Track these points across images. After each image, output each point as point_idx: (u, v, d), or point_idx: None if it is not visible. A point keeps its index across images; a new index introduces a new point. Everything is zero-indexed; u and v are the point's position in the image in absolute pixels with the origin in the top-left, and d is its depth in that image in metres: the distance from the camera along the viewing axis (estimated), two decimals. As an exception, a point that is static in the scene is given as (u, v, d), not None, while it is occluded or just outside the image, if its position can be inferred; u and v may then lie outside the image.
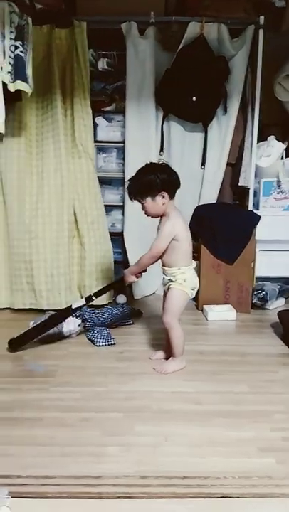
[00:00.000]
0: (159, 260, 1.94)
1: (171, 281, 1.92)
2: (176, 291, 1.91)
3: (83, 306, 2.20)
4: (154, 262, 1.94)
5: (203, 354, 2.12)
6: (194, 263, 1.98)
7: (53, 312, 2.34)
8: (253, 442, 1.48)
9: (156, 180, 1.81)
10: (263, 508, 1.23)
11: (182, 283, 1.90)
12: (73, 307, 2.18)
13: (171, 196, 1.87)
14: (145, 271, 1.99)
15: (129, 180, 1.90)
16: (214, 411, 1.66)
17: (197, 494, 1.26)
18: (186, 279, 1.90)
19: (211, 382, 1.86)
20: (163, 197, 1.84)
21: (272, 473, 1.34)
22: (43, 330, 2.16)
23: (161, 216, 1.91)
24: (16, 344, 2.12)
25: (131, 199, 1.90)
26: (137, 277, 1.99)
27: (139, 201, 1.88)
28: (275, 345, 2.24)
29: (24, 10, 2.29)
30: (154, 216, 1.92)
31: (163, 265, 1.94)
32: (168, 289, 1.95)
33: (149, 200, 1.85)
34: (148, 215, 1.92)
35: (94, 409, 1.66)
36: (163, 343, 2.09)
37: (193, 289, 1.95)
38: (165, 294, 2.00)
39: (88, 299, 2.17)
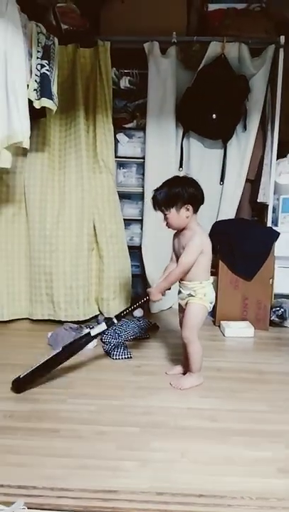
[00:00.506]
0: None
1: (191, 295, 1.90)
2: (197, 306, 1.90)
3: (104, 331, 2.03)
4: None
5: (220, 371, 2.10)
6: (212, 278, 1.98)
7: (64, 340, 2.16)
8: (271, 462, 1.45)
9: (183, 193, 1.82)
10: (282, 531, 1.20)
11: (202, 297, 1.89)
12: (92, 334, 1.99)
13: (195, 211, 1.87)
14: (169, 289, 1.96)
15: (155, 191, 1.88)
16: (232, 429, 1.64)
17: (214, 514, 1.24)
18: (206, 293, 1.90)
19: (228, 400, 1.84)
20: (187, 210, 1.84)
21: (291, 495, 1.31)
22: (56, 364, 1.93)
23: (182, 230, 1.91)
24: (23, 384, 1.85)
25: (155, 209, 1.89)
26: (163, 295, 1.96)
27: (162, 212, 1.87)
28: (294, 364, 2.20)
29: (51, 30, 2.38)
30: (175, 229, 1.93)
31: (182, 280, 1.93)
32: (186, 303, 1.94)
33: (173, 211, 1.84)
34: (169, 227, 1.92)
35: (110, 423, 1.66)
36: (181, 358, 2.08)
37: (211, 303, 1.94)
38: (182, 308, 1.99)
39: (109, 322, 2.01)
